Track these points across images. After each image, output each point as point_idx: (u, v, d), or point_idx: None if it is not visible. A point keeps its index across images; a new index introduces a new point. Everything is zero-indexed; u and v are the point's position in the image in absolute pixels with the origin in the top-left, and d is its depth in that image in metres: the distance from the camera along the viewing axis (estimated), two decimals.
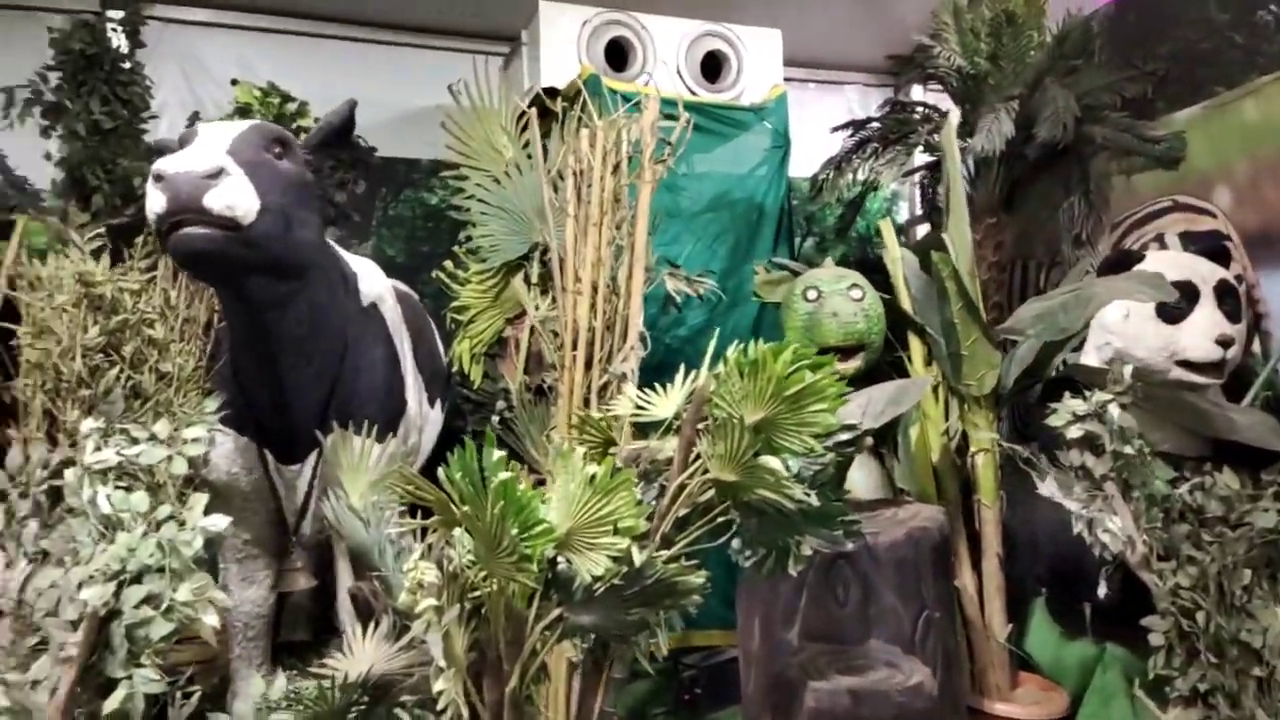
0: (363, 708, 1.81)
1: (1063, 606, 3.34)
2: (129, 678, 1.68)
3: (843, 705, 2.21)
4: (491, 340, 3.68)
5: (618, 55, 4.28)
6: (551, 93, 4.08)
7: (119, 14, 4.20)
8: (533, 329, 3.35)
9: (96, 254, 2.59)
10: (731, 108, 4.29)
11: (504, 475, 1.62)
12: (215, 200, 2.03)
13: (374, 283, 2.93)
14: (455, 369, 3.67)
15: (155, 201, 2.02)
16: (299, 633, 3.55)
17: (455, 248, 3.66)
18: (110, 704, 1.66)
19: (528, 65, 4.40)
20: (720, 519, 1.91)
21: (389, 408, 2.82)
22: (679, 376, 2.17)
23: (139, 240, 3.09)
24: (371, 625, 1.85)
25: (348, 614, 2.31)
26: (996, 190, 4.06)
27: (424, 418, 3.17)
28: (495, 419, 3.49)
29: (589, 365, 2.77)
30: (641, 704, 3.40)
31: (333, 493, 1.92)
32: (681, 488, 1.93)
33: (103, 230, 2.73)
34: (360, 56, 5.15)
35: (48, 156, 3.63)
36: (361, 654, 1.79)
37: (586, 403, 2.76)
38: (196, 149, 2.12)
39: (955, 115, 3.28)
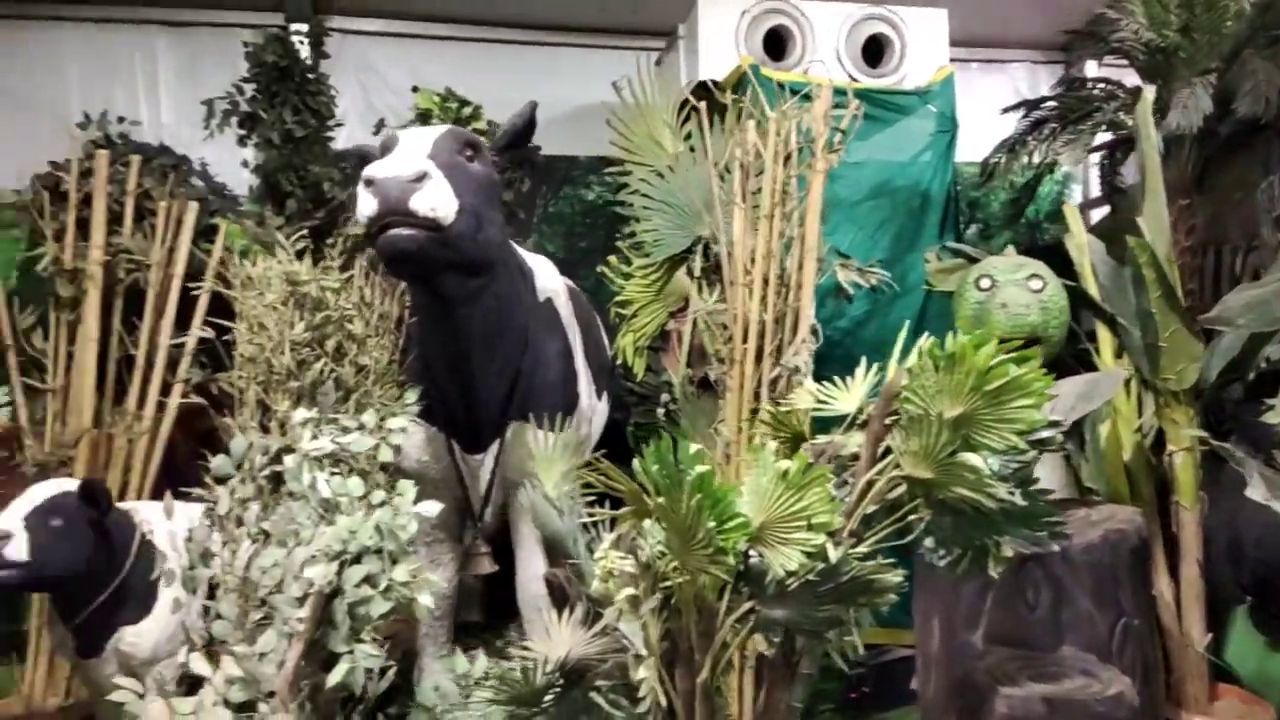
0: (558, 690, 1.87)
1: (1268, 615, 3.10)
2: (351, 652, 1.80)
3: (1037, 713, 2.13)
4: (654, 334, 3.72)
5: (776, 44, 4.23)
6: (710, 85, 4.09)
7: (302, 27, 4.50)
8: (695, 322, 3.35)
9: (300, 255, 2.77)
10: (894, 92, 4.17)
11: (701, 468, 1.63)
12: (420, 203, 2.14)
13: (549, 279, 3.02)
14: (619, 362, 3.73)
15: (366, 205, 2.15)
16: (472, 614, 3.71)
17: (617, 242, 3.72)
18: (334, 677, 1.78)
19: (684, 59, 4.41)
20: (909, 516, 1.88)
21: (564, 400, 2.90)
22: (859, 370, 2.14)
23: (329, 241, 3.30)
24: (566, 611, 1.90)
25: (541, 599, 2.38)
26: (1188, 170, 3.79)
27: (593, 410, 3.23)
28: (660, 411, 3.54)
29: (759, 359, 2.76)
30: (808, 699, 3.37)
31: (529, 482, 1.99)
32: (869, 484, 1.90)
33: (306, 233, 2.91)
34: (520, 58, 5.29)
35: (245, 164, 3.91)
36: (558, 638, 1.84)
37: (757, 396, 2.75)
38: (402, 154, 2.24)
39: (1150, 91, 3.07)
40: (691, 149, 3.37)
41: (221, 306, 3.35)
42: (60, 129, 4.30)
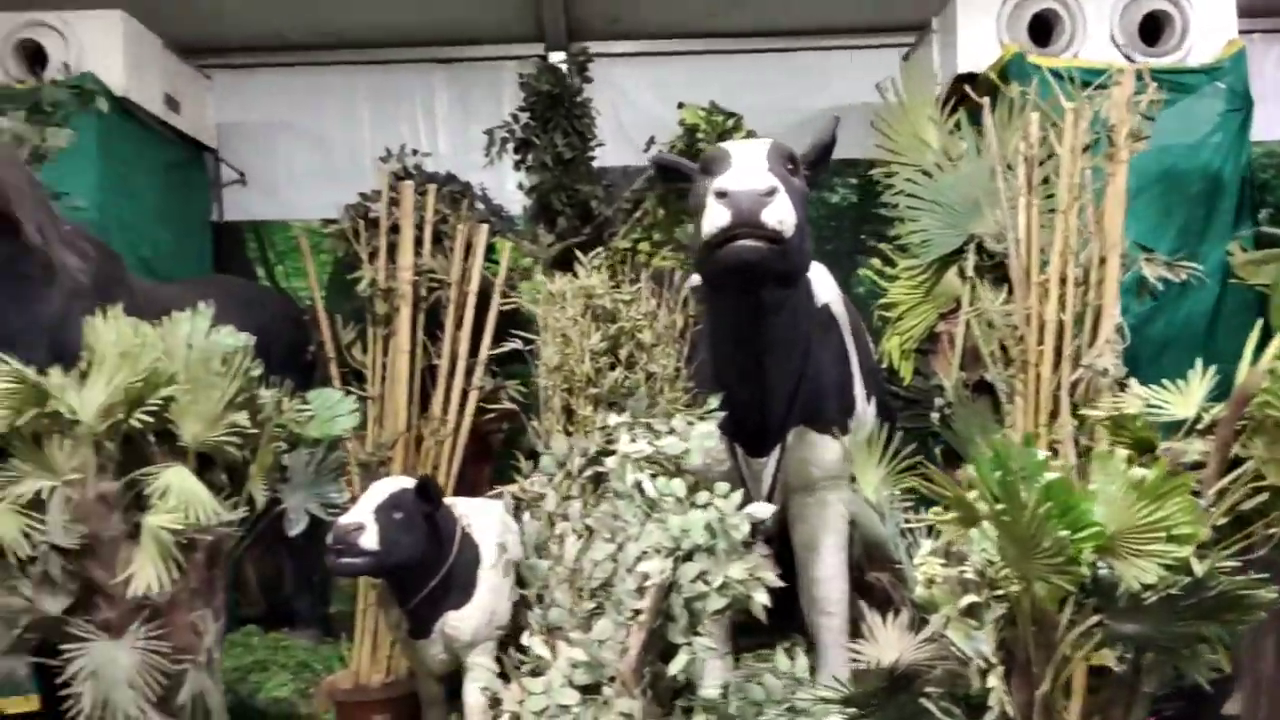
0: (885, 695, 1.89)
1: None
2: (689, 644, 1.90)
3: None
4: (922, 336, 3.65)
5: (1040, 29, 4.06)
6: (968, 78, 3.96)
7: (558, 54, 4.79)
8: (969, 323, 3.26)
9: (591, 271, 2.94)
10: (1177, 70, 3.88)
11: (1051, 475, 1.60)
12: (770, 216, 2.23)
13: (826, 285, 3.05)
14: (884, 365, 3.69)
15: (719, 216, 2.25)
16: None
17: (870, 244, 3.69)
18: (674, 666, 1.89)
19: (939, 52, 4.30)
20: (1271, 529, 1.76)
21: (843, 405, 2.92)
22: (1194, 372, 2.02)
23: (601, 254, 3.47)
24: (890, 615, 1.91)
25: (829, 602, 2.40)
26: None
27: (865, 414, 3.22)
28: (934, 415, 3.46)
29: (1057, 361, 2.64)
30: None
31: (852, 486, 2.03)
32: (1219, 494, 1.79)
33: (601, 250, 3.08)
34: (759, 66, 5.33)
35: (520, 186, 4.20)
36: (886, 643, 1.86)
37: (1055, 400, 2.64)
38: (747, 169, 2.33)
39: None
40: (964, 145, 3.28)
41: (503, 318, 3.63)
42: (354, 165, 4.84)
